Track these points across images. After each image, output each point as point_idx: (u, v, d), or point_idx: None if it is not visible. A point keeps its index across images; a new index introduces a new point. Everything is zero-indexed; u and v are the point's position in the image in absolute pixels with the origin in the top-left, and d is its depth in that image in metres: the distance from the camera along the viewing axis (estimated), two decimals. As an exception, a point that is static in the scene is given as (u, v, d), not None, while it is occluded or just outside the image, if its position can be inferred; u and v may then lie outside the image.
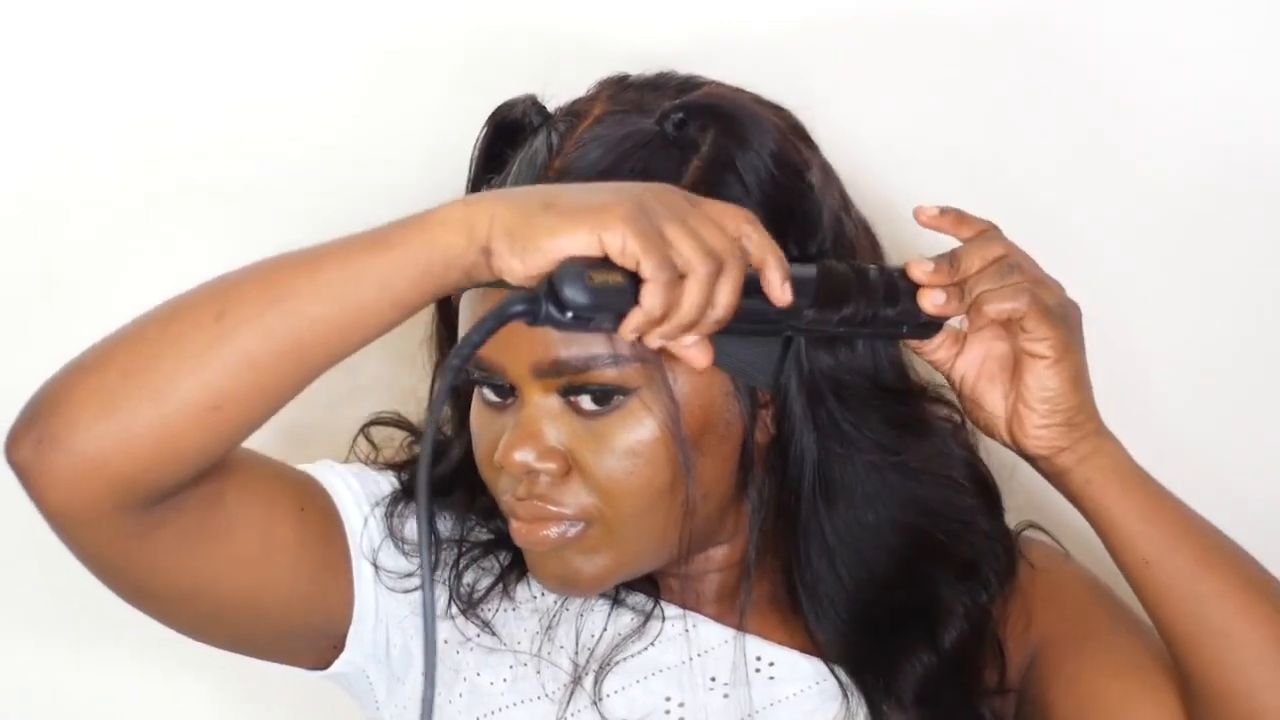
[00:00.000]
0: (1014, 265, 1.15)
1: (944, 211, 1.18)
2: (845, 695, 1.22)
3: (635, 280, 1.03)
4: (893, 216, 1.28)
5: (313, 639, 1.22)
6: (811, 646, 1.23)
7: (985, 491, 1.25)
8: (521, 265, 1.03)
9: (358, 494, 1.23)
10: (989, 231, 1.17)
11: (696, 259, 1.03)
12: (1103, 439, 1.18)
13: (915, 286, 1.15)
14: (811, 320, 1.11)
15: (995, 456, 1.25)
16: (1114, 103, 1.53)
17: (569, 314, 1.03)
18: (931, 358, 1.19)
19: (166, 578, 1.13)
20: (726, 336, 1.09)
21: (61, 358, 1.07)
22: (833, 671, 1.22)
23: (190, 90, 1.48)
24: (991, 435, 1.20)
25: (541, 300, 1.03)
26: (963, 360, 1.19)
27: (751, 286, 1.07)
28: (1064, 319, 1.16)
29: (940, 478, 1.22)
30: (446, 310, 1.23)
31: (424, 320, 1.26)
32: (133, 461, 1.05)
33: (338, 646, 1.23)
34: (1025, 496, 1.31)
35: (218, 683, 1.58)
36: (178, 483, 1.08)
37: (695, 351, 1.06)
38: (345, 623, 1.22)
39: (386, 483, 1.25)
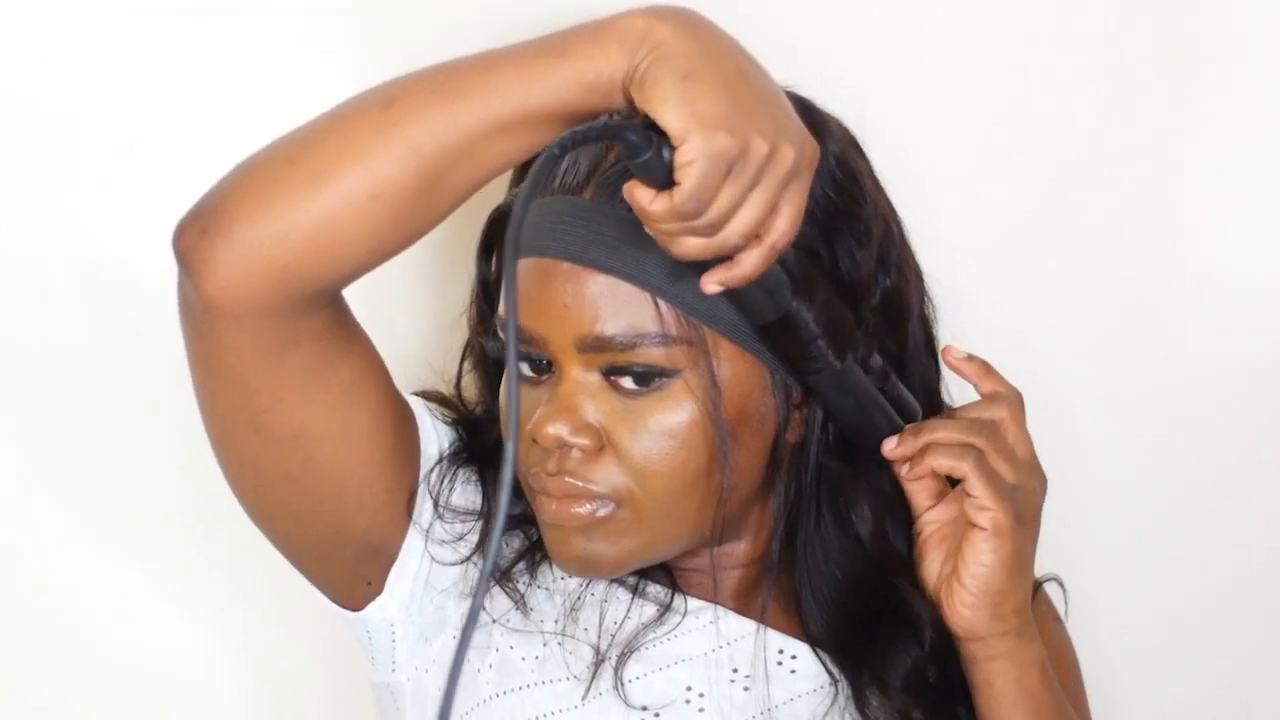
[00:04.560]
0: (987, 426, 1.18)
1: (971, 359, 1.21)
2: (834, 682, 1.23)
3: None
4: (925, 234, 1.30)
5: (362, 556, 1.21)
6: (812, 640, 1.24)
7: None
8: (637, 100, 1.03)
9: (443, 438, 1.24)
10: (1001, 398, 1.20)
11: (715, 223, 1.04)
12: (1022, 643, 1.20)
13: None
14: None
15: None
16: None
17: (656, 178, 1.03)
18: (913, 499, 1.21)
19: (284, 410, 1.13)
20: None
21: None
22: (819, 658, 1.23)
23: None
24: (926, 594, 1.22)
25: (654, 145, 1.02)
26: (933, 513, 1.21)
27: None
28: (1012, 499, 1.17)
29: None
30: (487, 283, 1.25)
31: (455, 297, 1.29)
32: (291, 250, 1.06)
33: (374, 585, 1.22)
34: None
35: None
36: (331, 281, 1.09)
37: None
38: (393, 554, 1.22)
39: (449, 438, 1.25)
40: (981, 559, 1.17)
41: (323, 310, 1.11)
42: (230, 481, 1.18)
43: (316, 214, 1.06)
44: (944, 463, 1.17)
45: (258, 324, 1.09)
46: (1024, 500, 1.18)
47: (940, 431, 1.18)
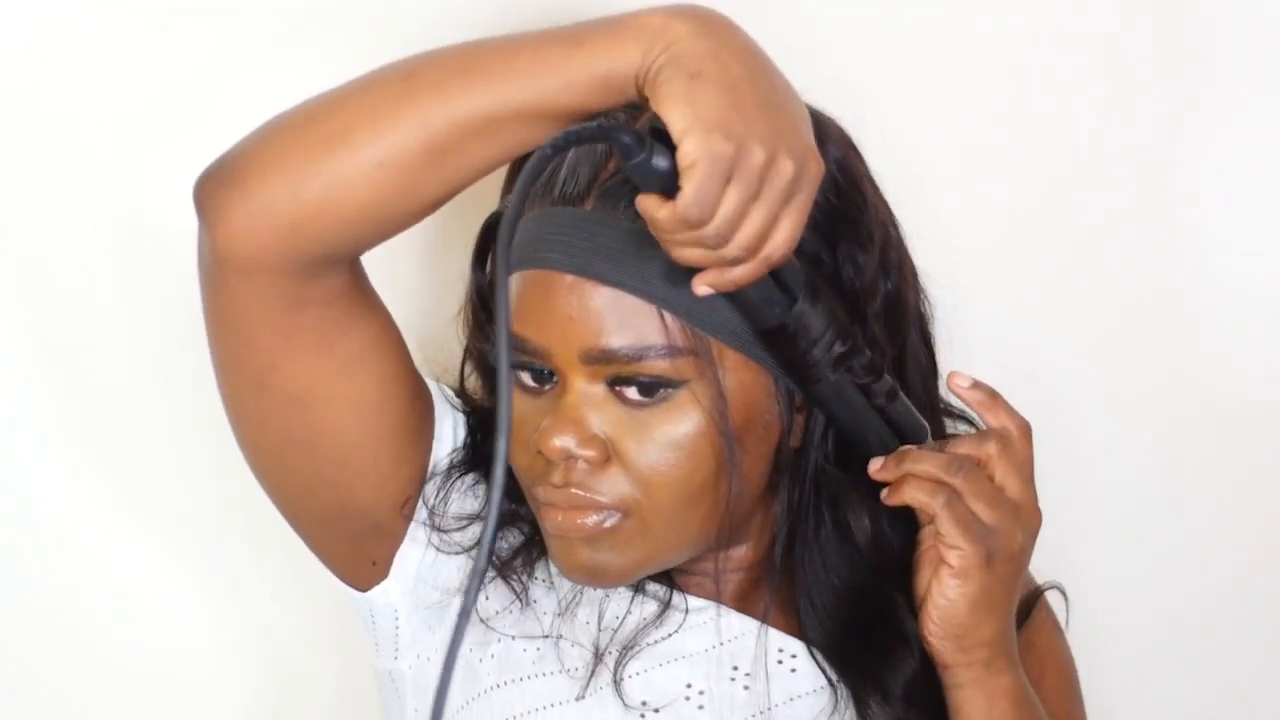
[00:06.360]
0: (967, 464, 1.17)
1: (976, 386, 1.20)
2: (834, 690, 1.23)
3: None
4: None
5: (366, 534, 1.22)
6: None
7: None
8: (649, 97, 1.04)
9: (458, 426, 1.24)
10: (993, 434, 1.18)
11: (717, 234, 1.04)
12: (990, 674, 1.19)
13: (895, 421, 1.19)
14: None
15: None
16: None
17: (654, 183, 1.03)
18: (919, 510, 1.20)
19: (289, 370, 1.15)
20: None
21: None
22: (815, 659, 1.23)
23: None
24: None
25: (646, 148, 1.03)
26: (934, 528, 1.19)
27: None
28: (984, 540, 1.16)
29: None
30: (483, 290, 1.25)
31: (450, 302, 1.29)
32: (299, 208, 1.08)
33: (379, 567, 1.23)
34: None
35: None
36: (335, 245, 1.11)
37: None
38: (397, 536, 1.23)
39: (464, 427, 1.25)
40: (947, 594, 1.17)
41: (334, 276, 1.13)
42: (240, 443, 1.20)
43: (326, 175, 1.08)
44: (917, 497, 1.17)
45: (267, 280, 1.11)
46: (1000, 542, 1.17)
47: (920, 464, 1.17)
